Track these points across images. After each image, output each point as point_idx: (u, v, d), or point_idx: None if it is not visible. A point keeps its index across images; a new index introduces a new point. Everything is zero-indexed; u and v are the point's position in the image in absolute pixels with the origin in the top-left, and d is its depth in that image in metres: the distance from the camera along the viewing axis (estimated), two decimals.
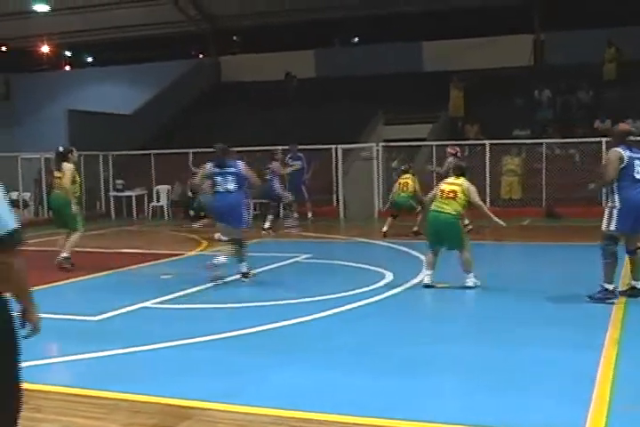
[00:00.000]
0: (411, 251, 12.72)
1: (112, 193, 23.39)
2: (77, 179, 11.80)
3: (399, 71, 27.10)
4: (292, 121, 24.92)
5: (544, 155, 20.11)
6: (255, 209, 20.87)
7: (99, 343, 6.95)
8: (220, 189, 10.28)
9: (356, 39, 33.09)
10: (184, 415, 5.05)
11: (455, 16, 28.48)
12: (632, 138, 8.31)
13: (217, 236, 12.83)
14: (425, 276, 9.57)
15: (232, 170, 10.32)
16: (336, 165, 21.27)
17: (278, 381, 5.74)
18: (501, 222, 9.53)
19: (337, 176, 21.32)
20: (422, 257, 11.87)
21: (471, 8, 27.64)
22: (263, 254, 13.20)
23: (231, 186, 10.24)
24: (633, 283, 8.52)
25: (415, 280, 9.92)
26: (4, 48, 36.36)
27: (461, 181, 9.58)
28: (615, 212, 8.07)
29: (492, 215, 9.62)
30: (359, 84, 26.68)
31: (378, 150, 21.03)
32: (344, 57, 29.35)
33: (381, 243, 14.55)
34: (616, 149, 8.16)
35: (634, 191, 8.03)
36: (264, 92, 28.01)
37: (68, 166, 11.57)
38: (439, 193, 9.49)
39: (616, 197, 8.07)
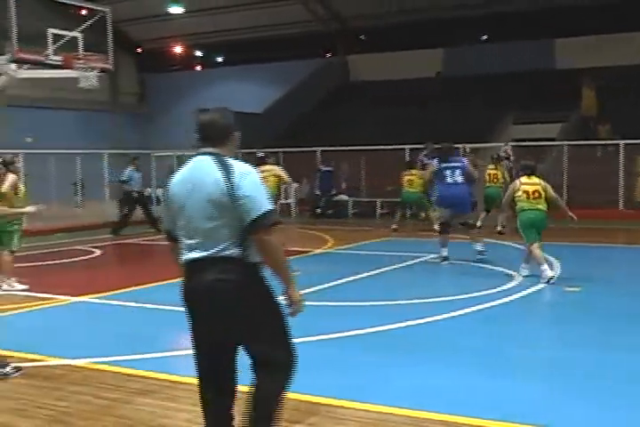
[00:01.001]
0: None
1: None
2: (21, 190, 10.11)
3: (530, 69, 26.55)
4: (419, 120, 24.80)
5: None
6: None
7: None
8: (449, 180, 11.75)
9: (485, 37, 32.57)
10: (312, 411, 5.12)
11: (588, 12, 27.63)
12: None
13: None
14: (547, 271, 9.68)
15: (458, 164, 11.89)
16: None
17: (402, 380, 5.74)
18: (574, 217, 9.86)
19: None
20: (552, 258, 11.67)
21: (605, 3, 26.78)
22: (390, 253, 13.22)
23: (459, 178, 11.73)
24: None
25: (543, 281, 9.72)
26: (139, 50, 37.63)
27: (537, 180, 10.14)
28: None
29: (567, 209, 10.08)
30: (488, 82, 26.30)
31: (507, 150, 20.64)
32: (472, 55, 28.98)
33: (508, 243, 14.29)
34: None
35: None
36: (392, 91, 27.99)
37: (11, 177, 9.92)
38: (525, 195, 9.97)
39: None
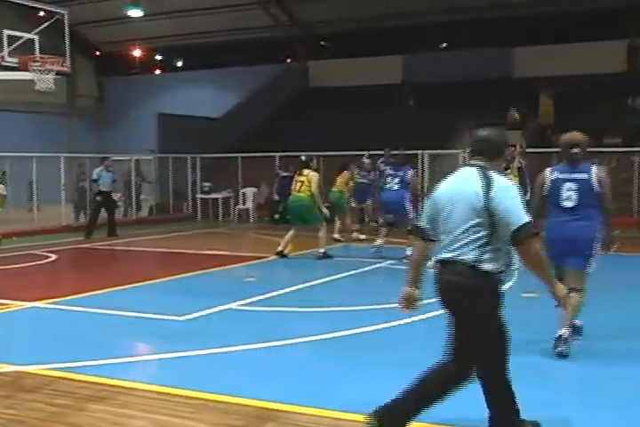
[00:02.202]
0: None
1: (199, 195, 23.79)
2: None
3: (488, 77, 26.80)
4: (379, 126, 24.88)
5: (636, 164, 19.60)
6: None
7: (185, 343, 7.08)
8: (387, 186, 13.01)
9: (444, 45, 32.84)
10: (269, 418, 5.09)
11: (546, 20, 28.01)
12: None
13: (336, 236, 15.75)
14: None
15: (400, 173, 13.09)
16: (422, 170, 21.16)
17: (361, 386, 5.74)
18: None
19: (423, 182, 21.20)
20: None
21: (563, 12, 27.18)
22: (347, 259, 13.25)
23: (396, 185, 12.91)
24: None
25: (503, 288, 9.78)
26: (98, 53, 37.36)
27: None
28: None
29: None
30: (447, 90, 26.48)
31: (465, 158, 20.83)
32: (432, 63, 29.19)
33: None
34: None
35: None
36: (352, 97, 28.07)
37: None
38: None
39: None
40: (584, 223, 6.51)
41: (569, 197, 6.54)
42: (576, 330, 6.81)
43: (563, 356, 6.30)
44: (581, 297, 6.51)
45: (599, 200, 6.49)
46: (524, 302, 8.94)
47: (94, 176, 17.99)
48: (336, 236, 16.02)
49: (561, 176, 6.62)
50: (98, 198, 17.97)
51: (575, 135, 6.75)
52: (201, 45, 34.28)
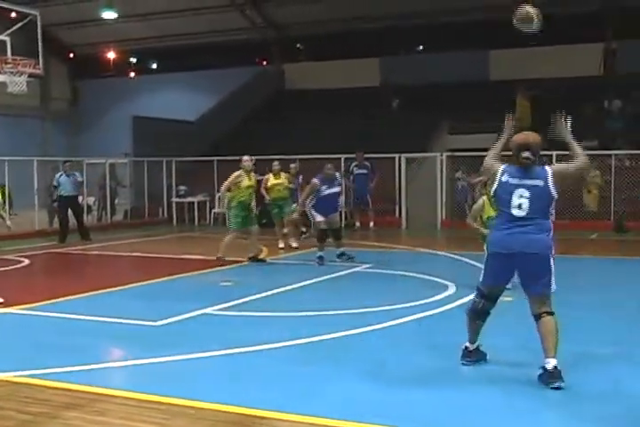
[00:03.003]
0: (474, 262, 12.61)
1: (174, 199, 23.71)
2: None
3: (465, 80, 26.93)
4: (355, 129, 24.94)
5: (613, 167, 19.76)
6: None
7: (160, 349, 7.05)
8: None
9: (421, 47, 32.97)
10: (244, 423, 5.09)
11: None
12: None
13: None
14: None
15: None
16: (399, 174, 21.22)
17: (336, 391, 5.75)
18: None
19: (400, 186, 21.28)
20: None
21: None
22: (325, 263, 13.25)
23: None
24: None
25: None
26: (71, 55, 37.15)
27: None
28: None
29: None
30: (424, 92, 26.58)
31: (442, 160, 20.94)
32: (409, 65, 29.31)
33: (444, 253, 14.47)
34: None
35: None
36: (328, 100, 28.11)
37: None
38: None
39: None
40: (537, 237, 5.89)
41: (519, 205, 5.88)
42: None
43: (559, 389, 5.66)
44: (555, 319, 5.90)
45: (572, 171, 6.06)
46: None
47: (54, 182, 17.96)
48: (294, 244, 15.88)
49: (512, 181, 5.96)
50: (55, 205, 18.15)
51: (527, 136, 6.15)
52: (176, 48, 34.19)
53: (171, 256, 14.53)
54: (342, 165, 20.87)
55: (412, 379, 6.06)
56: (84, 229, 18.23)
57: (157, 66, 38.91)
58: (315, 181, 13.21)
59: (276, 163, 16.17)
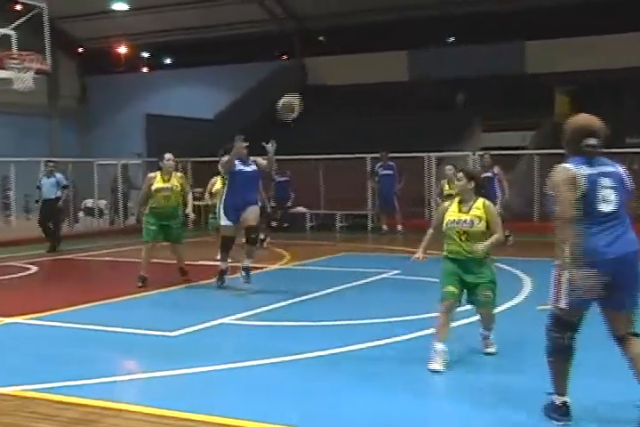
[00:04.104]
0: (511, 269, 12.56)
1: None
2: None
3: (499, 73, 26.83)
4: (382, 127, 24.92)
5: None
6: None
7: (175, 361, 7.07)
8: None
9: (452, 39, 32.89)
10: None
11: (561, 12, 28.02)
12: None
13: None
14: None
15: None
16: (428, 174, 21.15)
17: (360, 408, 5.72)
18: None
19: (429, 187, 21.21)
20: (523, 275, 11.80)
21: (579, 3, 27.21)
22: (348, 270, 13.23)
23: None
24: None
25: (517, 300, 9.81)
26: (80, 49, 37.36)
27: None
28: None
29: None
30: (455, 87, 26.52)
31: (474, 160, 20.85)
32: (439, 58, 29.24)
33: None
34: None
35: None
36: (352, 96, 28.11)
37: None
38: None
39: None
40: (633, 236, 5.02)
41: (605, 197, 4.95)
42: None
43: None
44: None
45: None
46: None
47: (37, 184, 17.50)
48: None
49: (591, 171, 4.98)
50: (37, 205, 17.68)
51: (591, 119, 5.24)
52: (191, 42, 34.28)
53: (186, 262, 14.52)
54: (368, 165, 20.86)
55: (444, 394, 6.03)
56: (56, 239, 17.33)
57: (172, 61, 39.07)
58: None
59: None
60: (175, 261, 12.38)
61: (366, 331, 8.27)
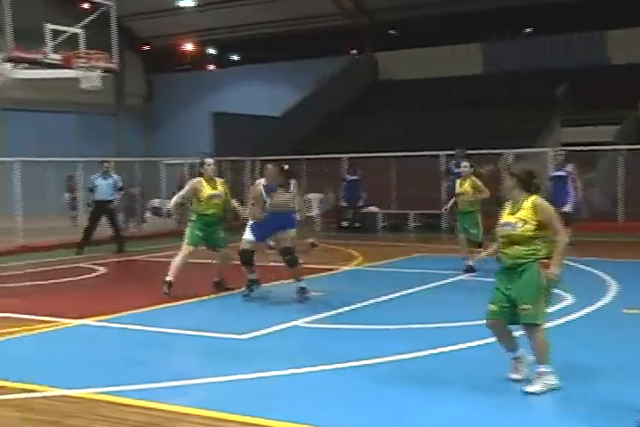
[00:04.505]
0: (593, 270, 12.33)
1: None
2: None
3: (580, 65, 26.41)
4: (455, 123, 24.74)
5: None
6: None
7: (244, 364, 7.09)
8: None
9: (529, 30, 32.44)
10: None
11: None
12: None
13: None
14: None
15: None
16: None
17: (437, 416, 5.65)
18: None
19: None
20: (606, 277, 11.58)
21: None
22: (422, 271, 13.14)
23: None
24: None
25: (600, 304, 9.62)
26: (146, 47, 37.86)
27: None
28: None
29: None
30: (533, 80, 26.18)
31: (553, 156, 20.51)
32: (516, 50, 28.90)
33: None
34: None
35: None
36: (425, 91, 27.95)
37: None
38: None
39: None
40: None
41: None
42: None
43: None
44: None
45: None
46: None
47: (90, 184, 17.53)
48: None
49: None
50: (91, 209, 17.74)
51: None
52: (258, 38, 34.47)
53: (257, 263, 14.53)
54: (442, 163, 20.69)
55: (524, 402, 5.91)
56: (120, 240, 17.62)
57: (238, 58, 39.33)
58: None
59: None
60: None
61: (441, 335, 8.20)
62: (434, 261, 14.66)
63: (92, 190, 17.45)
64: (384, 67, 32.49)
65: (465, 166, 13.33)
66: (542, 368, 6.17)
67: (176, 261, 11.46)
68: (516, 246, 6.27)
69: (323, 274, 13.08)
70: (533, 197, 6.32)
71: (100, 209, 17.28)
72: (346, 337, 8.40)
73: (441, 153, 20.69)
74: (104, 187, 17.20)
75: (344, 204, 22.13)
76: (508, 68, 27.92)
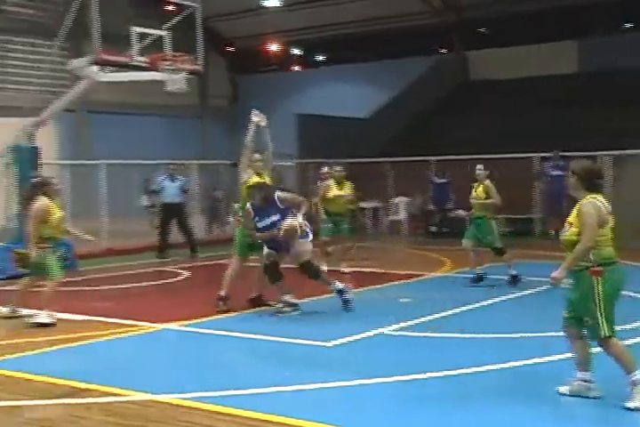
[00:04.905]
0: None
1: None
2: (54, 216, 9.91)
3: None
4: (548, 123, 24.42)
5: None
6: None
7: (333, 372, 7.16)
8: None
9: (628, 25, 31.82)
10: None
11: None
12: None
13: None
14: None
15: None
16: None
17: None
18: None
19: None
20: None
21: None
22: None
23: None
24: None
25: None
26: (230, 48, 38.26)
27: None
28: None
29: None
30: (633, 79, 25.67)
31: None
32: (614, 47, 28.37)
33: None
34: None
35: None
36: (518, 91, 27.67)
37: (39, 202, 9.84)
38: None
39: None
40: None
41: None
42: None
43: None
44: None
45: None
46: None
47: (156, 187, 17.90)
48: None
49: None
50: (157, 211, 18.10)
51: None
52: (343, 37, 34.55)
53: (339, 269, 14.53)
54: (535, 165, 20.43)
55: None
56: (193, 242, 17.94)
57: (324, 58, 39.46)
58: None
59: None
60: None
61: (530, 345, 8.14)
62: (526, 268, 14.46)
63: (157, 192, 17.83)
64: (474, 66, 32.22)
65: (479, 169, 12.91)
66: (634, 376, 5.90)
67: (228, 274, 11.07)
68: (569, 252, 6.09)
69: (410, 280, 13.06)
70: (587, 198, 6.07)
71: (169, 212, 17.59)
72: (433, 346, 8.37)
73: (534, 155, 20.42)
74: (171, 189, 17.53)
75: (432, 207, 22.03)
76: (606, 65, 27.39)
